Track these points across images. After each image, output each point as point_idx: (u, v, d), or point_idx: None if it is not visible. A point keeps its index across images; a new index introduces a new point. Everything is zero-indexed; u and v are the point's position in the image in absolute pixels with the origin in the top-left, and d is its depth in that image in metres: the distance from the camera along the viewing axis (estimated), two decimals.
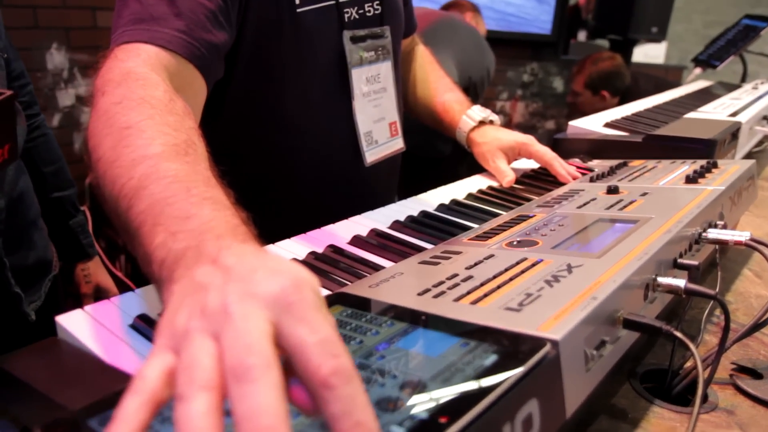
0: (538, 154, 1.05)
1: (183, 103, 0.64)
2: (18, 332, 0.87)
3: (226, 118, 0.90)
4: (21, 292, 0.86)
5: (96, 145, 0.56)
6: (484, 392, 0.37)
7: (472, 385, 0.38)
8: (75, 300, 1.13)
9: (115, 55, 0.67)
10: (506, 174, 1.03)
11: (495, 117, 1.14)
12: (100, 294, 1.16)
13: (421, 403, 0.37)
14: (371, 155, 0.99)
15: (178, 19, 0.71)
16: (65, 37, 2.42)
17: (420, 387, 0.38)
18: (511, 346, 0.43)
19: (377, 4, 0.97)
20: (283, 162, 0.95)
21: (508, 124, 3.75)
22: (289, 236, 0.75)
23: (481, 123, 1.11)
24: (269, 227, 0.78)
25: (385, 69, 1.00)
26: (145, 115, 0.57)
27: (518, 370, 0.40)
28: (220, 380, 0.30)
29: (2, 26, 0.90)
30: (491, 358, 0.41)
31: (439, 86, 1.19)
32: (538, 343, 0.43)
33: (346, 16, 0.92)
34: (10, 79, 0.94)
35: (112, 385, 0.43)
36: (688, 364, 0.65)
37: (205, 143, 0.91)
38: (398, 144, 1.05)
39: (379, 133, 1.00)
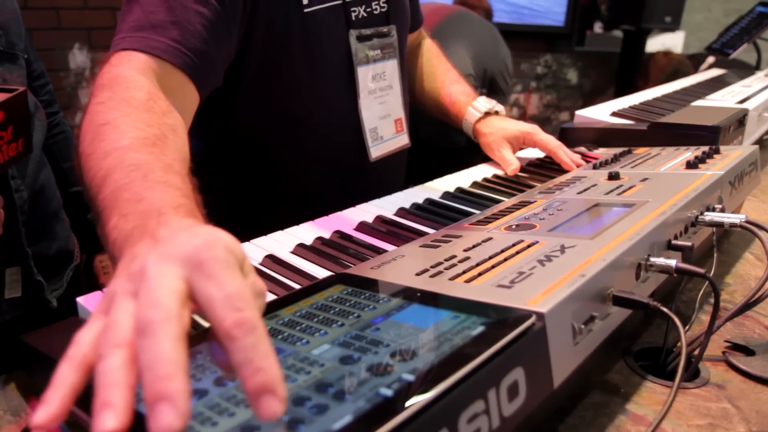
0: (542, 143, 1.07)
1: (166, 103, 0.68)
2: (40, 318, 0.91)
3: (237, 114, 0.94)
4: (43, 280, 0.90)
5: (80, 142, 0.62)
6: (468, 358, 0.40)
7: (458, 353, 0.41)
8: (95, 290, 1.17)
9: (110, 61, 0.73)
10: (511, 162, 1.05)
11: (500, 108, 1.16)
12: None
13: (409, 368, 0.40)
14: (376, 150, 1.02)
15: (175, 28, 0.75)
16: (87, 37, 2.48)
17: (410, 354, 0.41)
18: (499, 318, 0.46)
19: (383, 2, 0.99)
20: (290, 155, 0.98)
21: (522, 116, 3.76)
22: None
23: (487, 114, 1.14)
24: (278, 219, 0.82)
25: (391, 67, 1.03)
26: (121, 113, 0.62)
27: (503, 340, 0.43)
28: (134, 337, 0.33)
29: (23, 28, 0.94)
30: (478, 329, 0.44)
31: (445, 79, 1.22)
32: (524, 315, 0.46)
33: (353, 14, 0.95)
34: (30, 78, 0.99)
35: None
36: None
37: (216, 137, 0.95)
38: (403, 140, 1.08)
39: (384, 129, 1.03)
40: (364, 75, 0.98)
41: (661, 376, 0.65)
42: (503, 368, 0.42)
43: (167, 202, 0.48)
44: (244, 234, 0.80)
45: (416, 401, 0.36)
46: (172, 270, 0.36)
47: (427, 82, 1.24)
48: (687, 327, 0.69)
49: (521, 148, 1.13)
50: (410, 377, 0.38)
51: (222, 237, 0.38)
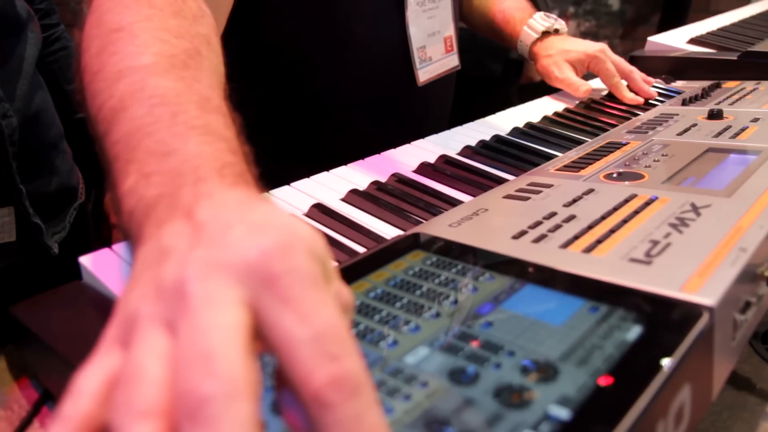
0: (607, 73, 0.92)
1: (197, 3, 0.51)
2: (40, 267, 0.79)
3: (265, 26, 0.79)
4: (41, 222, 0.78)
5: (83, 51, 0.45)
6: (640, 382, 0.28)
7: (620, 371, 0.29)
8: (106, 232, 1.05)
9: None
10: (578, 84, 0.90)
11: (561, 24, 0.99)
12: None
13: (555, 396, 0.27)
14: (424, 73, 0.87)
15: None
16: None
17: (550, 371, 0.29)
18: (657, 314, 0.33)
19: None
20: (327, 78, 0.84)
21: None
22: (337, 163, 0.65)
23: (545, 33, 0.98)
24: (313, 153, 0.69)
25: None
26: (141, 16, 0.45)
27: (678, 349, 0.30)
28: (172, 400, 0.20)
29: None
30: (635, 331, 0.32)
31: None
32: (692, 310, 0.33)
33: None
34: None
35: None
36: None
37: (241, 55, 0.80)
38: (453, 62, 0.93)
39: (433, 48, 0.88)
40: None
41: None
42: (673, 390, 0.30)
43: (207, 159, 0.33)
44: (275, 174, 0.67)
45: None
46: (228, 291, 0.22)
47: None
48: None
49: (585, 73, 0.97)
50: (562, 412, 0.26)
51: (300, 231, 0.24)
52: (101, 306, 0.42)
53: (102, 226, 1.05)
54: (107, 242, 0.45)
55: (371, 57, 0.84)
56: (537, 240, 0.44)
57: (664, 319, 0.33)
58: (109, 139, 0.37)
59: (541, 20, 0.99)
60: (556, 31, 0.99)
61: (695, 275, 0.37)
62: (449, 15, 0.91)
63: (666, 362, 0.29)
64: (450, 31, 0.92)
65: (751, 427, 0.45)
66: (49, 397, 0.42)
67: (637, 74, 0.94)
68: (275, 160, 0.71)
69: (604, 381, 0.28)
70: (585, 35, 3.45)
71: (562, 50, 0.96)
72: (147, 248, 0.26)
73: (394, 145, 0.71)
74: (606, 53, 0.95)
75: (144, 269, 0.25)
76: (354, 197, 0.57)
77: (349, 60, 0.83)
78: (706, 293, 0.35)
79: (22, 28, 0.76)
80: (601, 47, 0.95)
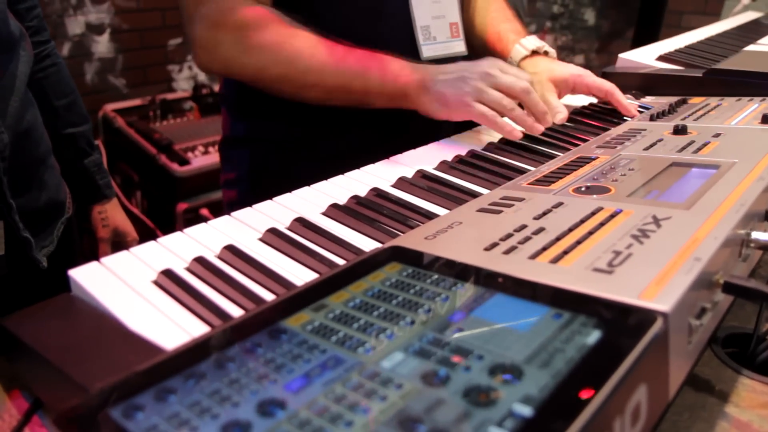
0: (596, 85, 0.96)
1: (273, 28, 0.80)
2: (29, 280, 0.80)
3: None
4: (31, 236, 0.79)
5: (280, 48, 0.79)
6: (597, 382, 0.30)
7: (579, 372, 0.31)
8: (91, 244, 1.06)
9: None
10: (557, 109, 0.93)
11: (551, 50, 1.04)
12: (118, 238, 1.09)
13: (519, 395, 0.30)
14: (428, 50, 0.91)
15: None
16: None
17: (515, 373, 0.31)
18: (615, 320, 0.36)
19: None
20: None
21: None
22: (340, 140, 0.87)
23: (534, 53, 1.01)
24: (320, 123, 0.89)
25: None
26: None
27: (632, 353, 0.33)
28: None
29: None
30: (594, 336, 0.34)
31: (498, 16, 1.09)
32: (647, 316, 0.36)
33: None
34: (13, 0, 0.85)
35: (134, 356, 0.37)
36: None
37: None
38: (460, 46, 0.97)
39: (438, 30, 0.93)
40: None
41: (749, 366, 0.56)
42: (629, 389, 0.33)
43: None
44: (290, 137, 0.94)
45: None
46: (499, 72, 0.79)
47: (478, 17, 1.11)
48: None
49: (568, 93, 1.00)
50: (525, 410, 0.28)
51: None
52: (90, 317, 0.44)
53: (87, 240, 1.06)
54: (92, 256, 0.47)
55: (379, 32, 0.87)
56: (507, 251, 0.47)
57: (621, 324, 0.36)
58: (371, 74, 0.79)
59: (533, 41, 1.03)
60: (546, 53, 1.03)
61: (652, 283, 0.40)
62: (455, 5, 0.97)
63: (621, 363, 0.32)
64: (456, 18, 0.97)
65: (710, 426, 0.48)
66: (39, 406, 0.44)
67: (618, 92, 0.97)
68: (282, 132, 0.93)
69: (564, 381, 0.30)
70: (562, 49, 3.52)
71: (548, 69, 0.99)
72: (442, 81, 0.78)
73: (394, 125, 0.86)
74: (589, 73, 0.99)
75: (455, 81, 0.78)
76: (334, 211, 0.59)
77: (352, 33, 0.84)
78: (661, 300, 0.38)
79: (15, 46, 0.77)
80: (584, 70, 1.00)
